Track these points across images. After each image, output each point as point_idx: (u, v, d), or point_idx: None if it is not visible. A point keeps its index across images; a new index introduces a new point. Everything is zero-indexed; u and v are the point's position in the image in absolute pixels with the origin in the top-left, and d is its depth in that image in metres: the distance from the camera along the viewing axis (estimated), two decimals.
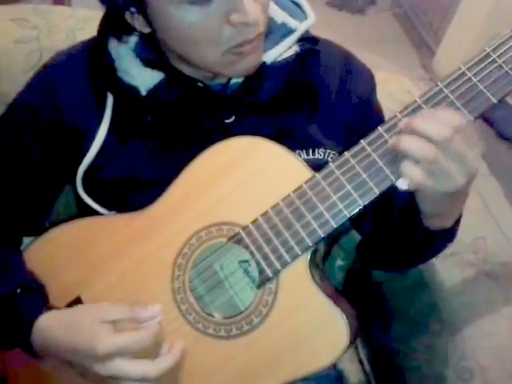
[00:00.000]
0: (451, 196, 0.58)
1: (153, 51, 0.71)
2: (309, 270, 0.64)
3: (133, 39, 0.71)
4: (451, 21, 2.43)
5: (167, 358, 0.64)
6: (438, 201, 0.59)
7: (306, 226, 0.63)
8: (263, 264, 0.64)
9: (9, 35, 0.94)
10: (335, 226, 0.62)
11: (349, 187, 0.61)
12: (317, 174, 0.63)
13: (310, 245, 0.63)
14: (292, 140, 0.69)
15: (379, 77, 0.82)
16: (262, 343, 0.65)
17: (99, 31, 0.73)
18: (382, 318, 0.95)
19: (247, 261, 0.67)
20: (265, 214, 0.64)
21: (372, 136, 0.61)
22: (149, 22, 0.65)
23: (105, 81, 0.72)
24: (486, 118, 2.15)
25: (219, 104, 0.71)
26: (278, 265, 0.64)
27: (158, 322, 0.65)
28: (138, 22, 0.66)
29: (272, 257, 0.64)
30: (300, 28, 0.72)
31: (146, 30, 0.67)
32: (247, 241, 0.65)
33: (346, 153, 0.62)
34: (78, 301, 0.71)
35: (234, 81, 0.71)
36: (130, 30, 0.69)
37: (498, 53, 0.58)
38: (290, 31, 0.72)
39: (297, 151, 0.69)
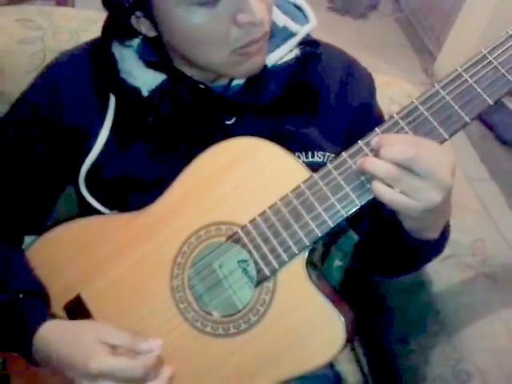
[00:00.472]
0: (432, 211, 0.59)
1: (156, 53, 0.71)
2: (306, 270, 0.64)
3: (136, 41, 0.72)
4: (452, 26, 2.43)
5: None
6: (419, 218, 0.60)
7: (304, 226, 0.63)
8: (261, 263, 0.65)
9: (13, 35, 0.94)
10: (332, 226, 0.62)
11: (346, 187, 0.62)
12: (314, 174, 0.63)
13: (308, 244, 0.63)
14: (291, 142, 0.70)
15: (380, 80, 0.82)
16: (260, 341, 0.65)
17: (103, 32, 0.73)
18: (380, 319, 0.95)
19: (246, 260, 0.67)
20: (263, 214, 0.65)
21: (369, 137, 0.61)
22: (155, 25, 0.65)
23: (107, 82, 0.72)
24: (485, 122, 2.14)
25: (220, 106, 0.72)
26: (275, 264, 0.64)
27: (155, 356, 0.65)
28: (145, 26, 0.67)
29: (270, 256, 0.64)
30: (301, 31, 0.72)
31: (152, 33, 0.67)
32: (245, 240, 0.65)
33: (343, 153, 0.62)
34: (78, 299, 0.72)
35: (235, 83, 0.72)
36: (134, 34, 0.70)
37: (495, 55, 0.59)
38: (291, 35, 0.72)
39: (296, 154, 0.70)
